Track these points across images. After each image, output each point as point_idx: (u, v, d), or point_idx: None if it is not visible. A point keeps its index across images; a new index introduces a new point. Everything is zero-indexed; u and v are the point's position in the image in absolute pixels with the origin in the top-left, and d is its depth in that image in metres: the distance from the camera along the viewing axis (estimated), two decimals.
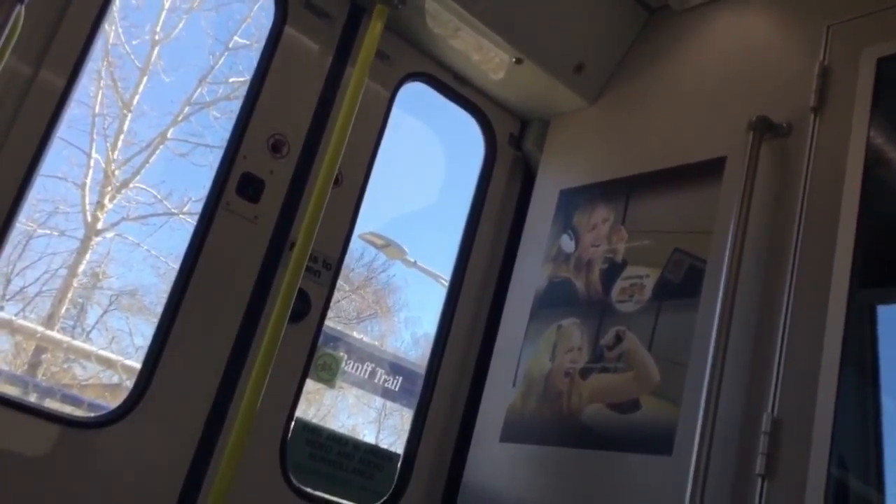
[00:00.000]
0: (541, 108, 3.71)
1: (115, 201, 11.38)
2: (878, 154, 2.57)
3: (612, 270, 3.07)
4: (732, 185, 2.75)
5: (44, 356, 10.52)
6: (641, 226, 3.07)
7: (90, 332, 11.22)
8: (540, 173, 3.66)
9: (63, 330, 10.86)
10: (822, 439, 2.25)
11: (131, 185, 11.50)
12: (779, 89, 2.83)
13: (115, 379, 10.40)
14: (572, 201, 3.40)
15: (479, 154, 3.78)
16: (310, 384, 3.26)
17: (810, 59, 2.77)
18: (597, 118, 3.54)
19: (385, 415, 12.22)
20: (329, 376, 3.37)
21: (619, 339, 2.92)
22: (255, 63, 3.16)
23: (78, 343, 10.67)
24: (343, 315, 12.07)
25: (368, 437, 11.92)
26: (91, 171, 11.18)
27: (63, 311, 11.02)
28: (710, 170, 2.91)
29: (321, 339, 3.20)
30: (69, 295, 11.01)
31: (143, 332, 11.21)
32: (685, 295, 2.78)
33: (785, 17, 3.04)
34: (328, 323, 3.23)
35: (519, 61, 3.42)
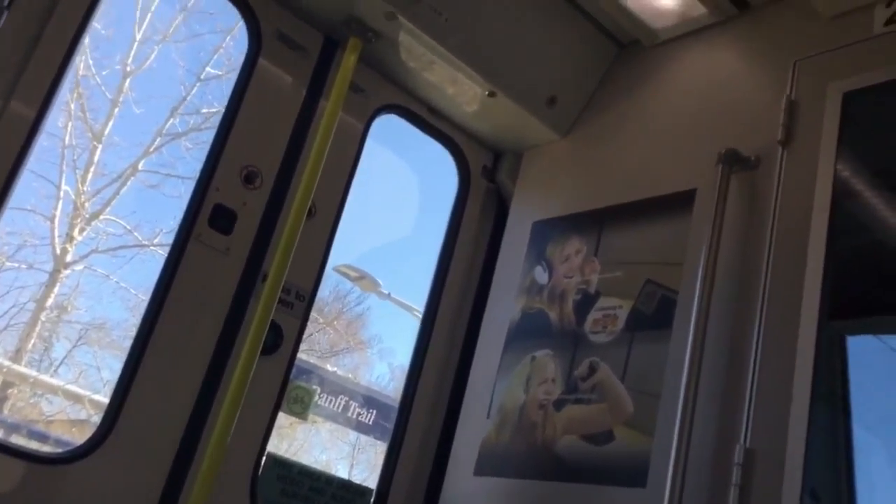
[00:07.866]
0: (514, 141, 3.73)
1: (84, 233, 11.26)
2: (845, 187, 2.60)
3: (586, 302, 3.08)
4: (703, 217, 2.78)
5: (10, 391, 10.33)
6: (614, 257, 3.09)
7: (58, 366, 11.04)
8: (513, 205, 3.68)
9: (30, 364, 10.67)
10: (794, 470, 2.26)
11: (101, 217, 11.39)
12: (747, 123, 2.88)
13: (83, 414, 10.22)
14: (546, 233, 3.41)
15: (452, 186, 3.79)
16: (282, 418, 3.22)
17: (778, 94, 2.81)
18: (569, 151, 3.57)
19: (358, 449, 12.10)
20: (301, 409, 3.32)
21: (592, 370, 2.92)
22: (227, 94, 3.17)
23: (45, 378, 10.48)
24: (316, 348, 11.98)
25: (341, 472, 11.79)
26: (60, 203, 11.07)
27: (30, 345, 10.84)
28: (680, 202, 2.94)
29: (294, 372, 3.17)
30: (37, 329, 10.83)
31: (111, 367, 11.05)
32: (657, 326, 2.79)
33: (753, 52, 3.09)
34: (301, 356, 3.20)
35: (492, 94, 3.45)
